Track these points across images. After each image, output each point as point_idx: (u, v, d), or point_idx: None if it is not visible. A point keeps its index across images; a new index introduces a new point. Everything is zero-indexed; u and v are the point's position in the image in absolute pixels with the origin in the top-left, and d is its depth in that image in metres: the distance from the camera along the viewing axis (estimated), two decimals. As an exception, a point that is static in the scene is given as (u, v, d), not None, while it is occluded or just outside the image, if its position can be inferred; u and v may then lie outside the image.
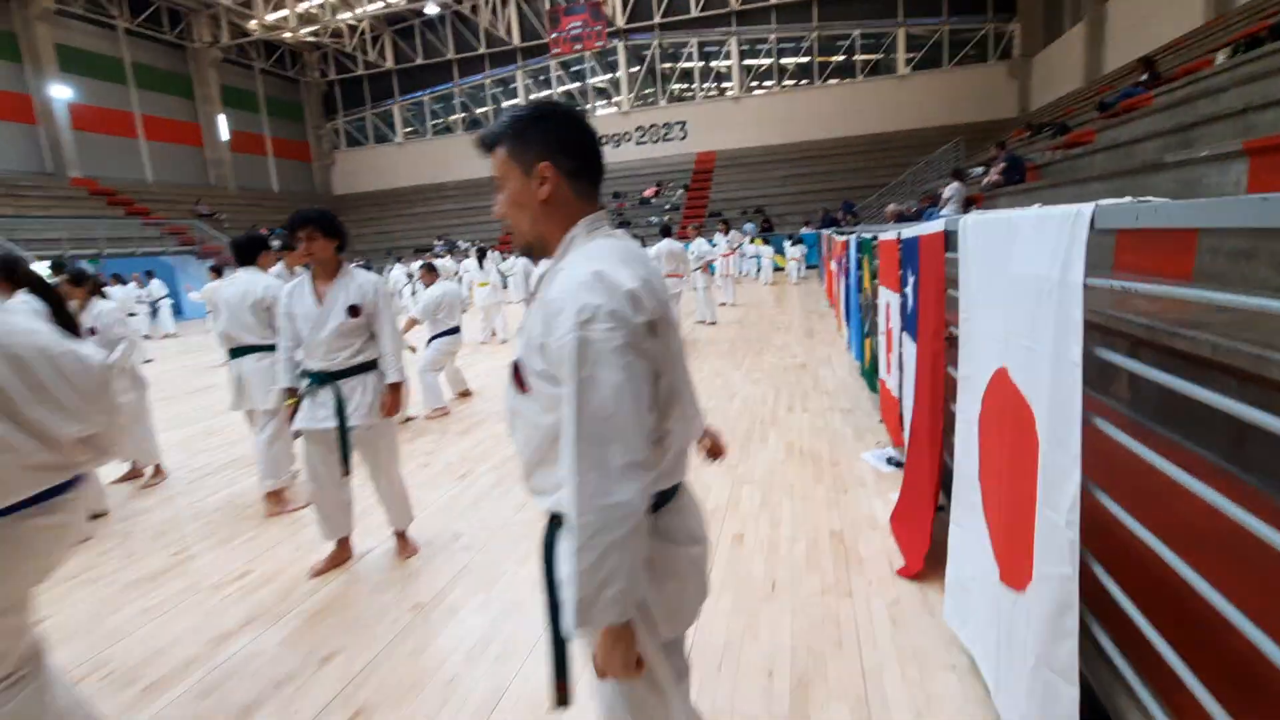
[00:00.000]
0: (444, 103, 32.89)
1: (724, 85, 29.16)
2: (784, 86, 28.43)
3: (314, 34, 30.04)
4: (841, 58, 27.75)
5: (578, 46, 27.50)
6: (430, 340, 5.70)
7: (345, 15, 28.78)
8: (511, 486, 3.86)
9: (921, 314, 2.46)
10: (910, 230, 2.88)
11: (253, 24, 27.23)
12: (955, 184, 10.43)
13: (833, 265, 9.37)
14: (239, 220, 27.39)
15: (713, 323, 10.27)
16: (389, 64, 32.51)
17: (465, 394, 6.35)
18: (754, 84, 28.83)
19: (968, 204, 10.49)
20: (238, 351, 3.64)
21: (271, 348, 3.40)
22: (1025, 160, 10.51)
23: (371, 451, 2.84)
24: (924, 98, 26.13)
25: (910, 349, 2.75)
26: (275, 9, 27.22)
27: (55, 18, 23.10)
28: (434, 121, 33.26)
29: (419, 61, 32.26)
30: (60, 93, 23.30)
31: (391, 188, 33.68)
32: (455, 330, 5.80)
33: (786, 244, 18.92)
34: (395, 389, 2.80)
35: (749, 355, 7.50)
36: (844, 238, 7.17)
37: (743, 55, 28.46)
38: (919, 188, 18.46)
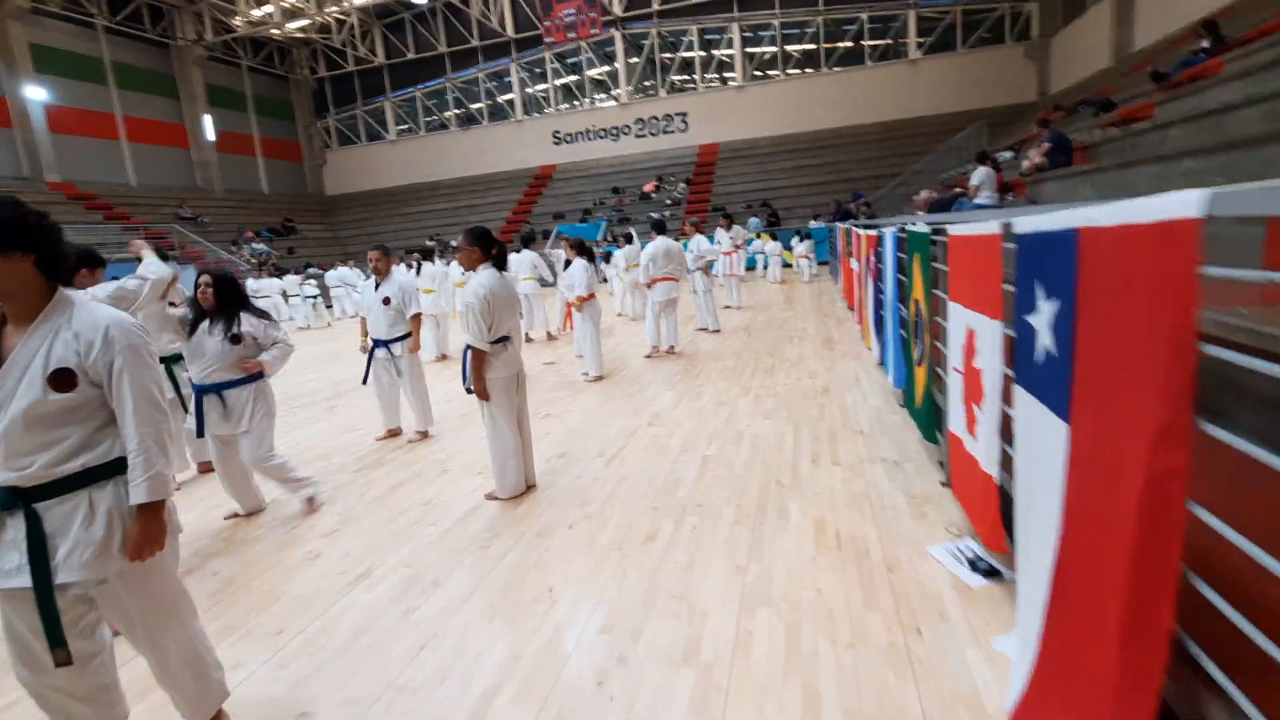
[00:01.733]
0: (437, 98, 31.78)
1: (726, 75, 27.88)
2: (789, 74, 27.13)
3: (302, 30, 28.98)
4: (849, 43, 26.42)
5: (571, 35, 26.32)
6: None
7: (332, 9, 27.68)
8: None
9: (1096, 376, 1.27)
10: (1034, 221, 1.69)
11: (238, 20, 26.15)
12: (983, 169, 9.20)
13: (853, 263, 8.15)
14: (225, 224, 26.39)
15: (715, 330, 9.07)
16: (380, 59, 31.43)
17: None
18: (758, 72, 27.53)
19: (1004, 190, 9.25)
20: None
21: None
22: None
23: (122, 616, 1.68)
24: (937, 83, 24.80)
25: (1053, 430, 1.55)
26: (260, 4, 26.16)
27: (30, 16, 22.11)
28: (428, 118, 32.15)
29: (410, 56, 31.16)
30: (35, 94, 22.33)
31: (384, 187, 32.64)
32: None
33: (794, 240, 17.70)
34: (149, 514, 1.65)
35: (758, 374, 6.30)
36: (870, 231, 5.94)
37: (745, 43, 27.17)
38: (937, 176, 17.18)
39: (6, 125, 22.02)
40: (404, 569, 2.96)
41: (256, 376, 3.51)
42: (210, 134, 28.55)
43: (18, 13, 21.55)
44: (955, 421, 2.78)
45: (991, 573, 2.46)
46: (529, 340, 9.42)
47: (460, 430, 5.23)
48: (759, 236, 18.56)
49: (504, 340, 3.54)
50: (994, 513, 2.25)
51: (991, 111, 22.22)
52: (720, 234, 11.80)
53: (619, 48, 28.21)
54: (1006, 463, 2.17)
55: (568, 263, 6.92)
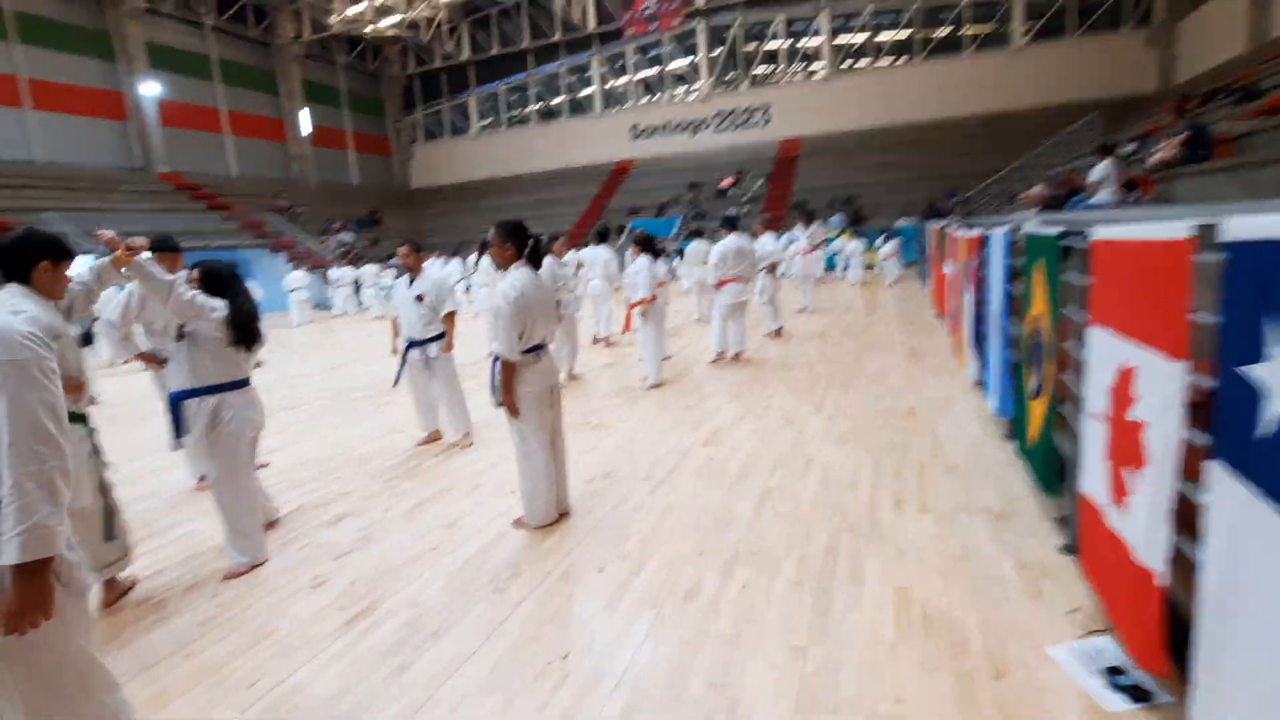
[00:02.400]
0: (519, 93, 32.10)
1: (812, 66, 26.74)
2: (879, 65, 25.72)
3: (393, 27, 29.84)
4: (947, 31, 24.76)
5: (653, 26, 25.85)
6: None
7: (421, 6, 28.31)
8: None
9: None
10: (1266, 224, 1.10)
11: (333, 18, 27.09)
12: (1105, 162, 8.10)
13: (947, 268, 7.33)
14: (317, 215, 27.49)
15: (777, 332, 8.43)
16: (465, 55, 32.00)
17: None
18: (846, 63, 26.25)
19: (1129, 186, 8.14)
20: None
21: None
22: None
23: (4, 695, 1.34)
24: (1044, 72, 22.87)
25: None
26: (354, 2, 27.04)
27: (145, 16, 23.57)
28: (509, 113, 32.52)
29: (495, 52, 31.56)
30: (149, 89, 23.79)
31: (466, 181, 33.25)
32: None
33: (879, 239, 16.65)
34: (26, 576, 1.29)
35: (832, 389, 5.66)
36: (971, 232, 5.19)
37: (834, 32, 25.95)
38: (1041, 173, 15.72)
39: (123, 118, 23.61)
40: (407, 609, 2.59)
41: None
42: (306, 128, 29.80)
43: (134, 13, 23.01)
44: (1091, 482, 2.14)
45: (1140, 694, 1.83)
46: (596, 342, 9.00)
47: (505, 439, 4.86)
48: (840, 235, 17.58)
49: (536, 350, 3.13)
50: (1154, 626, 1.63)
51: (1105, 104, 20.25)
52: (797, 231, 11.07)
53: (701, 39, 27.55)
54: (1179, 562, 1.55)
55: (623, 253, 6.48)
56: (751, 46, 27.43)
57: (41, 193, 19.76)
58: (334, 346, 11.52)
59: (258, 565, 3.03)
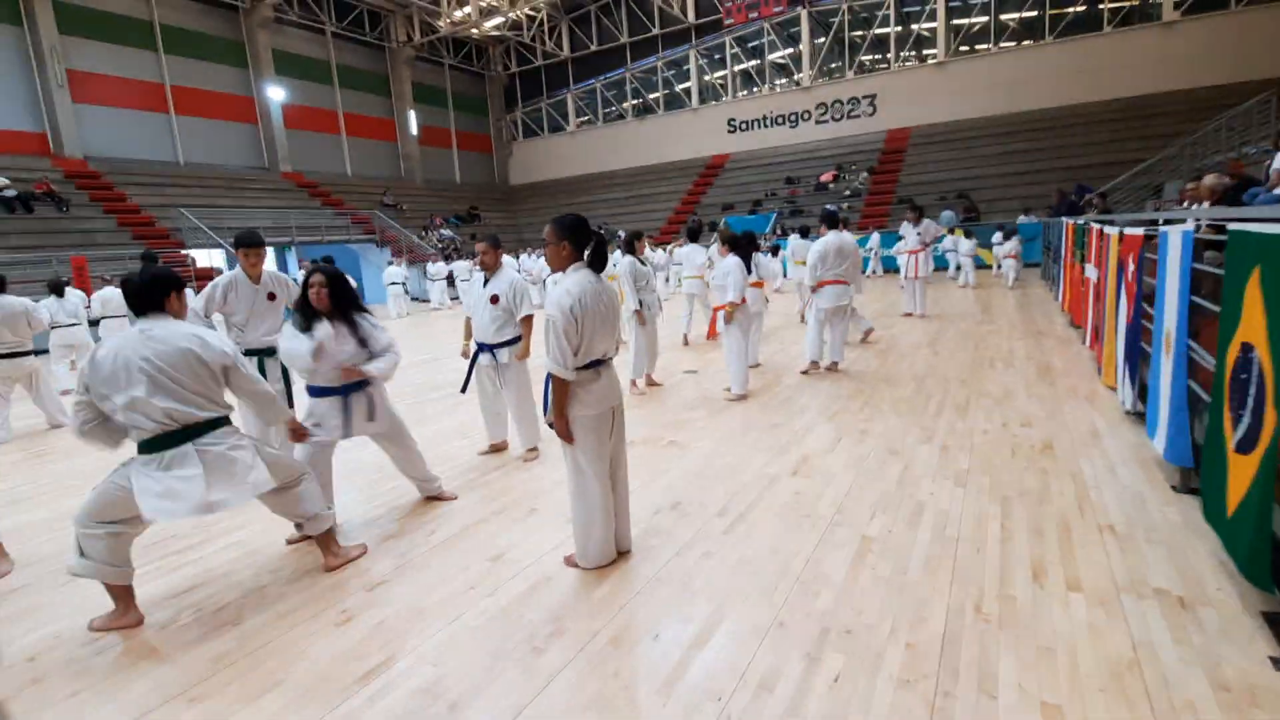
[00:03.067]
0: (616, 89, 32.07)
1: (925, 51, 24.95)
2: (1002, 47, 23.62)
3: (497, 28, 30.53)
4: (1082, 7, 22.36)
5: (754, 15, 24.98)
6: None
7: (524, 6, 28.74)
8: None
9: None
10: None
11: (442, 21, 27.99)
12: (1294, 149, 6.77)
13: (1087, 270, 6.30)
14: (420, 210, 28.58)
15: (865, 337, 7.64)
16: (565, 53, 32.29)
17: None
18: (963, 47, 24.30)
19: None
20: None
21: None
22: None
23: None
24: (1200, 50, 20.18)
25: None
26: (461, 5, 27.82)
27: (274, 24, 25.18)
28: (606, 109, 32.56)
29: (593, 48, 31.65)
30: (275, 94, 25.44)
31: (561, 177, 33.64)
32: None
33: (996, 237, 15.14)
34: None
35: (946, 411, 4.90)
36: (1131, 230, 4.29)
37: (951, 13, 24.08)
38: (1195, 163, 13.76)
39: (253, 122, 25.38)
40: (429, 668, 2.22)
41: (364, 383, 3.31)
42: (414, 128, 31.06)
43: (264, 22, 24.61)
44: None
45: None
46: (688, 345, 8.53)
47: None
48: (951, 232, 16.17)
49: (595, 365, 2.69)
50: None
51: (1275, 82, 17.56)
52: (905, 229, 10.11)
53: (804, 28, 26.37)
54: None
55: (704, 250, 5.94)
56: (859, 33, 25.96)
57: (182, 190, 21.54)
58: (426, 340, 11.67)
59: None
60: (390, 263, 17.31)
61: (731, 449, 4.34)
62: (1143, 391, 4.12)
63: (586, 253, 2.69)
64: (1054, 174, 19.67)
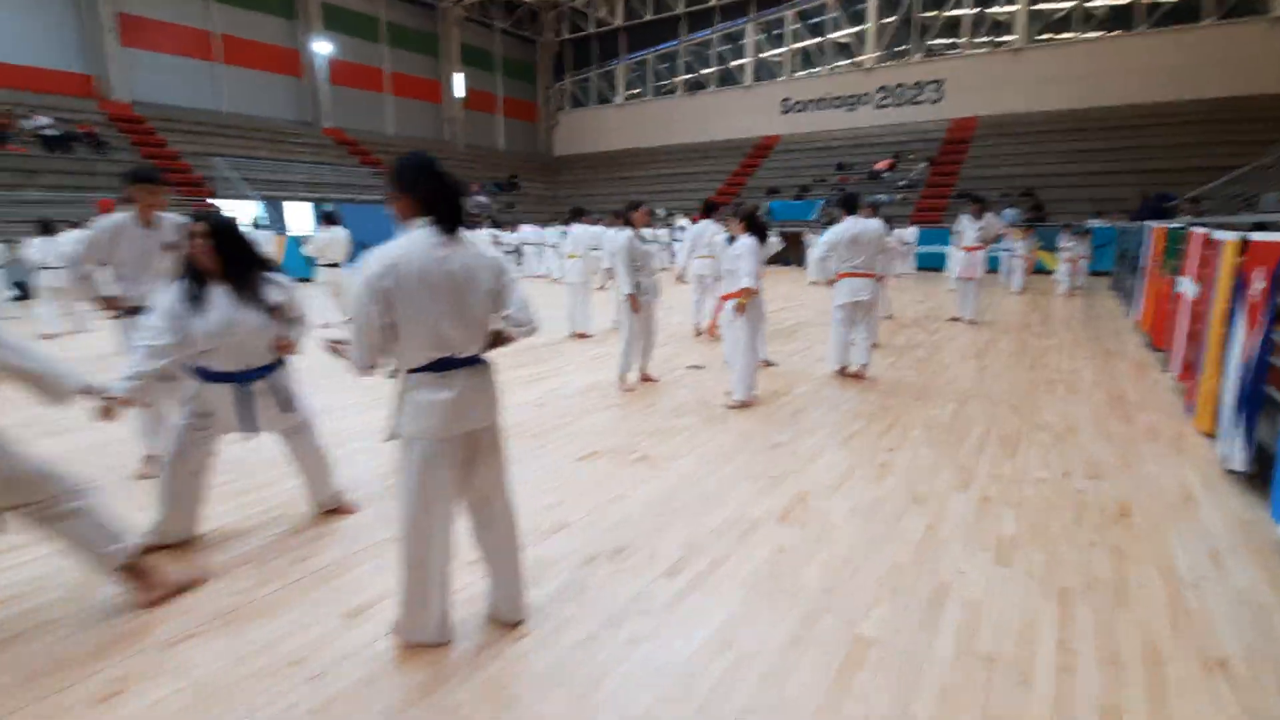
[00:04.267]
0: (668, 62, 30.86)
1: (1001, 37, 23.11)
2: (1086, 35, 21.67)
3: (550, -11, 29.59)
4: (1181, -4, 20.29)
5: (817, -14, 23.44)
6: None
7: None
8: None
9: None
10: None
11: (496, -19, 27.17)
12: None
13: (1184, 286, 5.19)
14: (460, 176, 28.02)
15: (865, 359, 6.61)
16: (618, 21, 31.15)
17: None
18: (1042, 35, 22.41)
19: None
20: None
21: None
22: None
23: None
24: (1310, 48, 18.06)
25: None
26: (514, -36, 26.98)
27: (324, -24, 24.75)
28: (657, 83, 31.42)
29: (648, 18, 30.43)
30: (322, 48, 25.04)
31: (606, 150, 32.69)
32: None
33: (1062, 238, 13.68)
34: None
35: (989, 444, 3.95)
36: (1265, 236, 3.25)
37: (1033, -4, 22.20)
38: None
39: (298, 75, 25.07)
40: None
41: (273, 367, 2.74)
42: (460, 91, 30.42)
43: (314, -26, 24.16)
44: None
45: None
46: (699, 335, 7.62)
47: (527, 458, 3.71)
48: (1013, 230, 14.78)
49: (441, 367, 1.90)
50: None
51: None
52: (964, 223, 8.98)
53: (871, 4, 24.73)
54: None
55: (731, 239, 5.02)
56: (930, 13, 24.21)
57: (221, 140, 21.36)
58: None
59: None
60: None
61: (714, 472, 3.50)
62: (1264, 455, 3.13)
63: (437, 207, 1.88)
64: (1130, 176, 17.97)
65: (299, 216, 19.82)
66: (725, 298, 4.81)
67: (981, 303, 9.02)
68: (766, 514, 2.99)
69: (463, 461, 1.97)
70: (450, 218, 1.90)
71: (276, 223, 18.60)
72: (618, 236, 5.03)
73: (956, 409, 4.72)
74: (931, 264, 16.71)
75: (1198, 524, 2.88)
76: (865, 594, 2.34)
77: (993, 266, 15.95)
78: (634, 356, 5.23)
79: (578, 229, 7.59)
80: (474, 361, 1.97)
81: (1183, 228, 5.84)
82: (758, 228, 4.76)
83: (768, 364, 6.01)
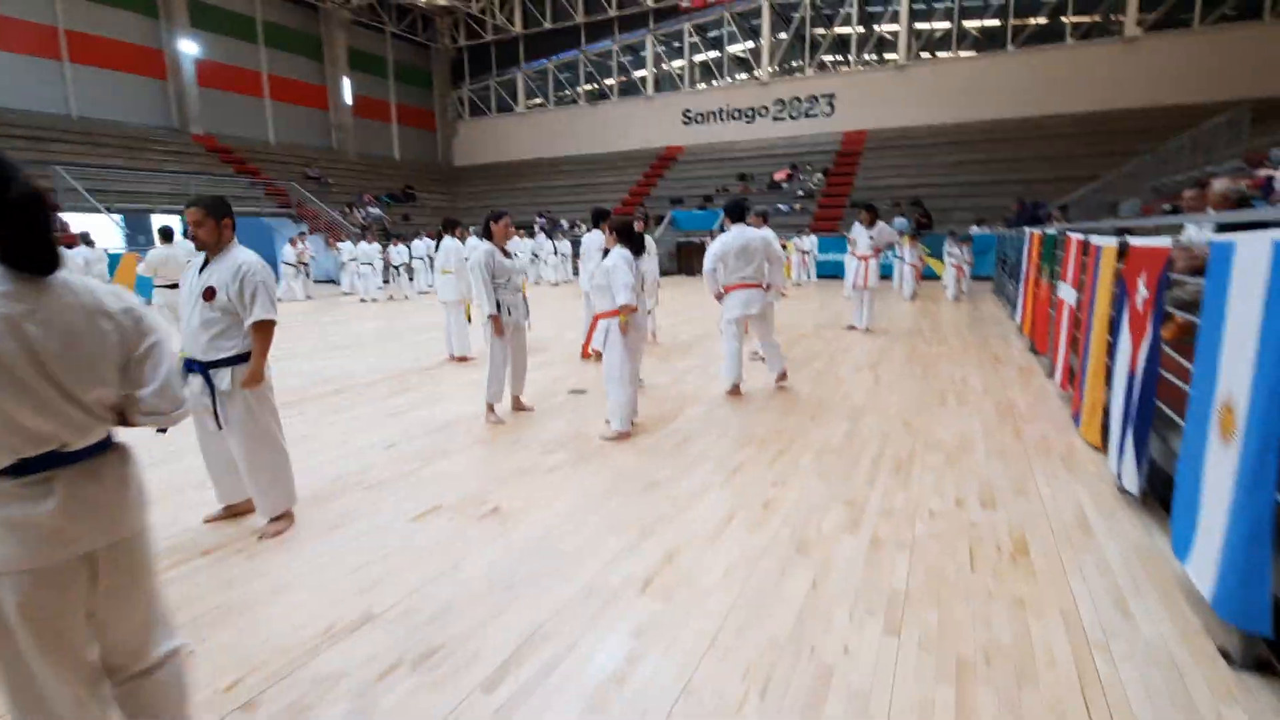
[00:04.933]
0: (569, 71, 30.46)
1: (887, 55, 24.13)
2: (963, 54, 22.96)
3: (444, -6, 28.56)
4: (1044, 20, 21.85)
5: (712, 0, 23.71)
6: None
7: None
8: None
9: None
10: None
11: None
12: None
13: (1063, 292, 5.16)
14: (350, 186, 26.43)
15: (780, 365, 6.38)
16: (517, 28, 30.48)
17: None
18: (924, 53, 23.57)
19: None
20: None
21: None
22: None
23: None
24: (1161, 67, 19.81)
25: None
26: (403, -35, 25.84)
27: (189, -29, 22.75)
28: (558, 92, 30.93)
29: (547, 26, 29.96)
30: (189, 48, 23.01)
31: (508, 160, 31.85)
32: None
33: (947, 245, 14.17)
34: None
35: (882, 470, 3.64)
36: (1158, 241, 3.07)
37: (914, 16, 23.31)
38: (1146, 180, 13.08)
39: (161, 77, 22.88)
40: None
41: None
42: (348, 97, 28.80)
43: (179, -32, 22.17)
44: None
45: None
46: (587, 358, 7.07)
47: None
48: (903, 238, 15.22)
49: (23, 471, 1.23)
50: None
51: (1249, 103, 17.18)
52: (858, 231, 8.95)
53: (765, 20, 25.28)
54: None
55: (606, 252, 4.55)
56: (820, 30, 25.00)
57: (67, 146, 19.08)
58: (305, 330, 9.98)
59: None
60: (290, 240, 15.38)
61: (576, 527, 2.98)
62: (1155, 473, 2.94)
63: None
64: (1008, 186, 19.06)
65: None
66: (599, 317, 4.32)
67: (875, 310, 9.01)
68: (628, 581, 2.49)
69: (80, 601, 1.32)
70: (26, 252, 1.22)
71: (142, 237, 16.76)
72: (475, 251, 4.44)
73: (850, 428, 4.42)
74: (830, 272, 17.01)
75: (1098, 557, 2.61)
76: (732, 685, 1.88)
77: (886, 273, 16.40)
78: (502, 384, 4.64)
79: (449, 242, 6.93)
80: (87, 455, 1.32)
81: (1057, 234, 5.88)
82: (632, 239, 4.31)
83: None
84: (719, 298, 5.30)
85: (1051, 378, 5.58)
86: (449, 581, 2.50)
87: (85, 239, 7.13)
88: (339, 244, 17.82)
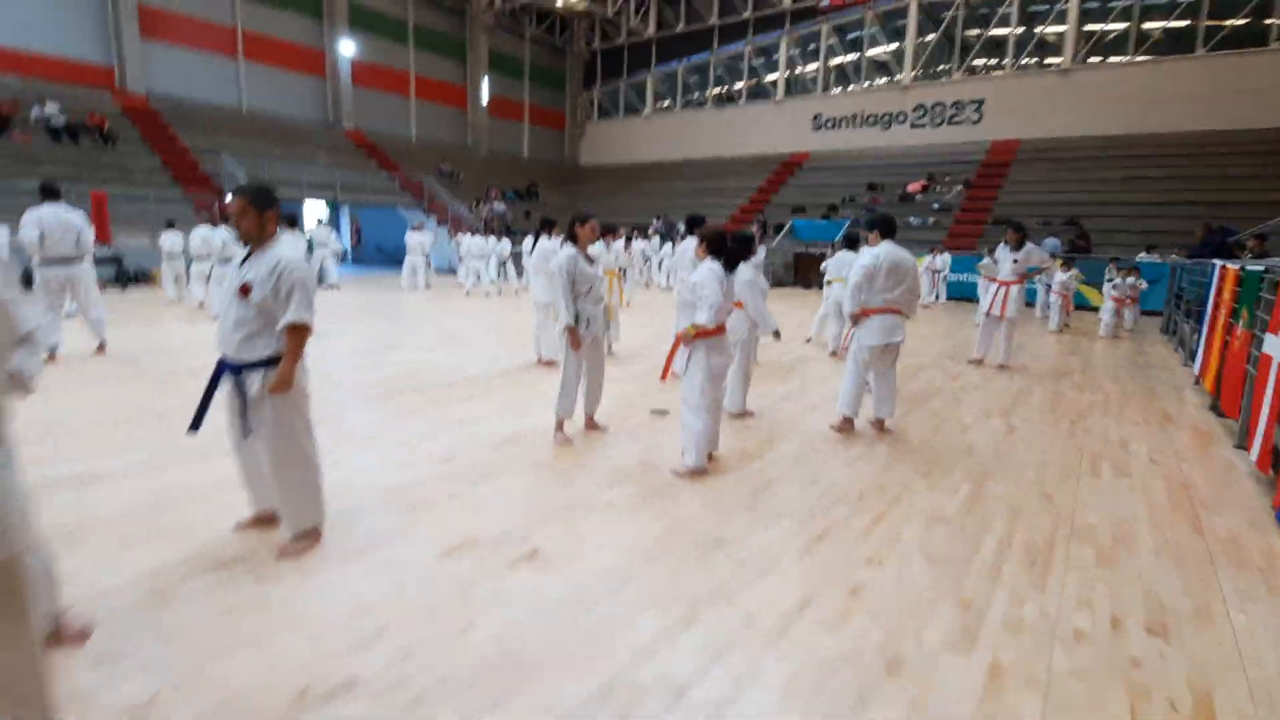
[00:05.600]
0: (699, 74, 30.14)
1: (1049, 58, 21.83)
2: (1139, 58, 20.31)
3: (582, 0, 29.07)
4: (1244, 20, 18.84)
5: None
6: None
7: (612, -25, 27.12)
8: None
9: None
10: None
11: (526, -12, 26.66)
12: None
13: (1270, 345, 4.08)
14: (478, 182, 27.53)
15: (890, 410, 5.53)
16: (650, 32, 30.53)
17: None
18: (1093, 58, 21.08)
19: None
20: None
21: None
22: None
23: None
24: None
25: None
26: (544, -29, 26.55)
27: (352, -24, 24.50)
28: (686, 95, 30.67)
29: (680, 29, 29.77)
30: (346, 49, 24.79)
31: (630, 161, 31.99)
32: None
33: (1108, 272, 12.39)
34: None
35: (1010, 559, 2.89)
36: None
37: (1084, 16, 20.92)
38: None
39: (320, 74, 24.81)
40: None
41: None
42: (485, 97, 30.03)
43: (342, -27, 23.91)
44: None
45: None
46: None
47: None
48: (1054, 262, 13.55)
49: None
50: None
51: None
52: (1001, 254, 7.89)
53: (911, 20, 23.65)
54: None
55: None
56: (973, 31, 23.04)
57: (237, 138, 21.05)
58: (404, 319, 10.23)
59: None
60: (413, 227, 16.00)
61: (615, 588, 2.52)
62: None
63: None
64: (1185, 208, 16.59)
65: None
66: (682, 338, 3.83)
67: (1014, 343, 7.89)
68: (660, 681, 2.00)
69: None
70: None
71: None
72: (559, 255, 4.10)
73: (971, 493, 3.66)
74: (962, 293, 15.54)
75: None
76: None
77: (1029, 299, 14.74)
78: (574, 400, 4.28)
79: (545, 243, 6.70)
80: None
81: (1264, 271, 4.72)
82: (724, 251, 3.80)
83: (743, 414, 5.03)
84: (855, 319, 4.67)
85: (1244, 451, 4.47)
86: (454, 648, 2.12)
87: (291, 220, 8.42)
88: (459, 236, 18.43)
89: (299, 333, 2.52)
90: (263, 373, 2.55)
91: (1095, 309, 13.23)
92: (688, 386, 3.80)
